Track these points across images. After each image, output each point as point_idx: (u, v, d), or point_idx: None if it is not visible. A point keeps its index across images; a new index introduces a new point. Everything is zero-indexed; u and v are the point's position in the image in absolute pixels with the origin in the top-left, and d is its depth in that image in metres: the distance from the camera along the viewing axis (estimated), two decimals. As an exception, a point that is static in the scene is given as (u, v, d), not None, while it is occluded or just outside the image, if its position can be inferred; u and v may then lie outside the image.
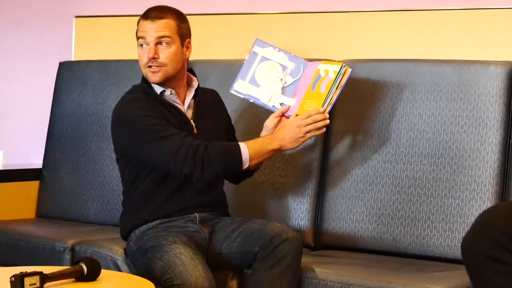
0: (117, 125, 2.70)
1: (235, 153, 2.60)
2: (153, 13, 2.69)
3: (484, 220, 1.99)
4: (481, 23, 3.07)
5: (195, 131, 2.73)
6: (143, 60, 2.69)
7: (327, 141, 3.06)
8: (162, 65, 2.68)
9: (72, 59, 3.82)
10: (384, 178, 2.92)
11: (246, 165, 2.62)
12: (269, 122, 2.80)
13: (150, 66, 2.68)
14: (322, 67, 2.80)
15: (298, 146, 2.70)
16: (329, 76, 2.75)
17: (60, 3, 3.93)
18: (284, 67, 2.86)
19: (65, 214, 3.44)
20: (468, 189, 2.80)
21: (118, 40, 3.66)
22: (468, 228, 2.03)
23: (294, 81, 2.85)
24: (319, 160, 3.06)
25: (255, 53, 2.88)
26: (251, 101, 2.86)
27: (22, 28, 4.04)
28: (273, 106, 2.83)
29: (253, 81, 2.85)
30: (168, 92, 2.72)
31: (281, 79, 2.84)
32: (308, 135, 2.66)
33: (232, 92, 2.87)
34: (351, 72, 2.75)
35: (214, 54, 3.11)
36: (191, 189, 2.71)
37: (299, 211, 3.05)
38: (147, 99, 2.70)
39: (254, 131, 2.94)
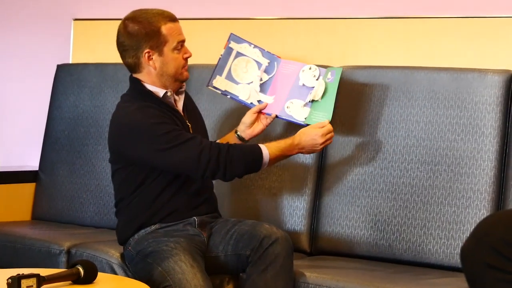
0: (126, 135, 2.65)
1: (257, 156, 2.65)
2: (174, 16, 2.72)
3: (484, 228, 1.99)
4: (479, 31, 3.08)
5: (191, 131, 2.75)
6: (181, 62, 2.72)
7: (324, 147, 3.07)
8: None
9: (70, 62, 3.82)
10: (380, 184, 2.94)
11: (264, 167, 2.68)
12: (247, 118, 2.86)
13: (184, 67, 2.73)
14: (306, 72, 2.85)
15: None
16: (322, 84, 2.80)
17: (58, 6, 3.94)
18: (259, 64, 2.90)
19: (61, 217, 3.44)
20: (464, 197, 2.81)
21: (115, 43, 3.66)
22: (465, 235, 2.05)
23: (269, 78, 2.90)
24: (315, 165, 3.07)
25: (231, 48, 2.90)
26: (229, 97, 2.90)
27: (20, 30, 4.04)
28: (251, 103, 2.88)
29: (229, 77, 2.89)
30: (169, 93, 2.73)
31: (258, 76, 2.89)
32: (322, 146, 2.73)
33: (210, 88, 2.89)
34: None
35: (213, 59, 3.11)
36: (188, 190, 2.72)
37: (295, 216, 3.06)
38: (152, 105, 2.69)
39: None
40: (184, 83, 2.82)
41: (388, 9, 3.25)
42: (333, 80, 2.81)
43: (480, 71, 2.88)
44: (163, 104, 2.72)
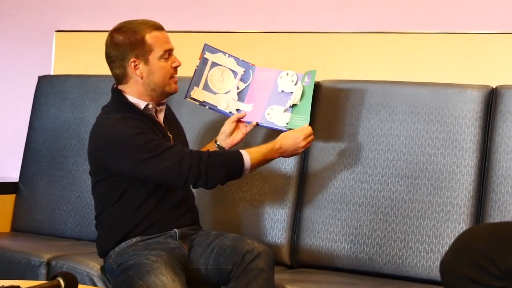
0: (106, 146, 2.64)
1: (238, 162, 2.63)
2: (160, 25, 2.72)
3: (464, 242, 2.00)
4: (459, 47, 3.11)
5: (172, 141, 2.75)
6: (169, 71, 2.71)
7: (304, 160, 3.09)
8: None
9: (52, 73, 3.82)
10: (361, 198, 2.95)
11: (246, 172, 2.67)
12: (226, 128, 2.87)
13: (172, 77, 2.72)
14: (283, 78, 2.87)
15: None
16: (300, 88, 2.82)
17: (40, 17, 3.93)
18: (234, 73, 2.92)
19: (41, 229, 3.43)
20: (443, 211, 2.83)
21: (98, 55, 3.58)
22: (444, 249, 2.05)
23: (246, 86, 2.92)
24: (296, 178, 3.08)
25: (206, 59, 2.91)
26: (207, 107, 2.91)
27: (1, 41, 4.03)
28: (229, 112, 2.89)
29: (206, 88, 2.90)
30: (150, 105, 2.73)
31: (235, 85, 2.90)
32: (303, 149, 2.74)
33: (188, 99, 2.89)
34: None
35: (192, 71, 3.12)
36: (169, 202, 2.72)
37: (276, 229, 3.06)
38: (132, 116, 2.69)
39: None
40: None
41: (369, 24, 3.27)
42: (309, 83, 2.83)
43: (460, 86, 2.91)
44: (144, 115, 2.72)
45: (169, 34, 2.77)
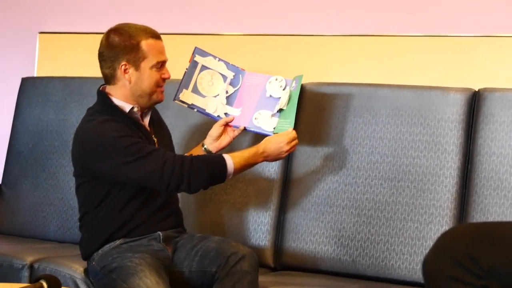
0: (89, 149, 2.64)
1: (221, 166, 2.63)
2: (157, 33, 2.72)
3: (446, 241, 2.00)
4: (442, 50, 3.12)
5: (157, 146, 2.74)
6: (158, 81, 2.71)
7: (288, 163, 3.09)
8: None
9: (35, 75, 3.80)
10: (344, 200, 2.96)
11: (229, 177, 2.66)
12: (214, 131, 2.87)
13: (160, 86, 2.72)
14: (272, 83, 2.88)
15: None
16: (287, 93, 2.83)
17: (24, 19, 3.91)
18: (224, 77, 2.92)
19: (24, 231, 3.41)
20: (426, 213, 2.84)
21: (81, 57, 3.64)
22: (427, 251, 2.06)
23: (235, 90, 2.93)
24: (280, 181, 3.09)
25: (196, 62, 2.92)
26: (195, 110, 2.91)
27: (-16, 43, 4.03)
28: (218, 116, 2.89)
29: (195, 90, 2.89)
30: (135, 109, 2.73)
31: (224, 89, 2.90)
32: (287, 153, 2.74)
33: (176, 101, 2.89)
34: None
35: (179, 74, 3.13)
36: (153, 205, 2.72)
37: (259, 231, 3.07)
38: (117, 119, 2.68)
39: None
40: None
41: (353, 27, 3.28)
42: (296, 88, 2.84)
43: (443, 89, 2.91)
44: (129, 118, 2.72)
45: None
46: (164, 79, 2.73)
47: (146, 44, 2.68)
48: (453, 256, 1.94)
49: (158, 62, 2.69)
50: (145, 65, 2.68)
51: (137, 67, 2.68)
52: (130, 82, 2.70)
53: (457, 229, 2.23)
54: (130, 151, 2.58)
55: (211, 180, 2.64)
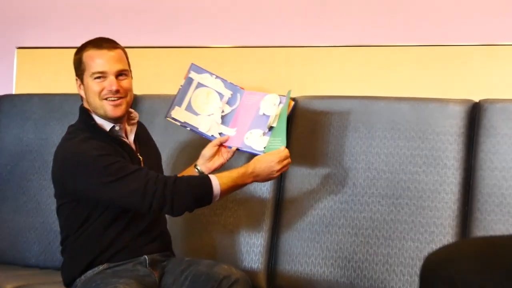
0: (69, 168, 2.62)
1: (206, 188, 2.61)
2: (105, 44, 2.69)
3: (429, 269, 2.00)
4: (440, 60, 3.12)
5: (142, 165, 2.73)
6: (98, 93, 2.68)
7: (281, 181, 3.08)
8: (124, 96, 2.69)
9: (13, 92, 3.80)
10: (341, 219, 2.94)
11: (216, 199, 2.63)
12: (207, 151, 2.85)
13: (107, 99, 2.67)
14: (266, 101, 2.86)
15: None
16: (278, 109, 2.83)
17: (1, 33, 3.91)
18: (221, 95, 2.91)
19: (4, 257, 3.39)
20: (427, 231, 2.83)
21: (62, 73, 3.64)
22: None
23: (232, 110, 2.91)
24: (273, 200, 3.08)
25: (191, 79, 2.90)
26: (188, 129, 2.89)
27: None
28: (211, 135, 2.88)
29: (189, 108, 2.88)
30: (117, 127, 2.71)
31: (220, 108, 2.88)
32: (279, 173, 2.71)
33: (168, 119, 2.87)
34: (294, 104, 2.89)
35: (163, 88, 3.10)
36: (137, 227, 2.70)
37: (252, 253, 3.04)
38: (98, 137, 2.67)
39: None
40: (135, 113, 2.80)
41: (346, 38, 3.28)
42: (284, 104, 2.82)
43: (441, 101, 2.91)
44: (111, 137, 2.70)
45: (133, 49, 2.73)
46: (110, 91, 2.67)
47: (85, 55, 2.70)
48: (443, 278, 1.94)
49: (93, 73, 2.68)
50: (86, 77, 2.70)
51: (82, 81, 2.72)
52: (83, 97, 2.74)
53: (443, 250, 2.22)
54: (111, 170, 2.56)
55: (196, 202, 2.62)
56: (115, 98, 2.68)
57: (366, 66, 3.23)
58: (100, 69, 2.67)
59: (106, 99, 2.68)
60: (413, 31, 3.19)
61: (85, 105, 2.75)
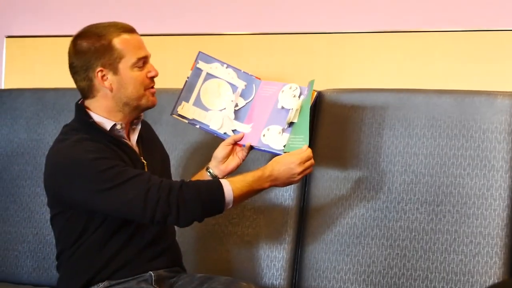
0: (61, 173, 2.62)
1: (217, 194, 2.60)
2: (131, 27, 2.70)
3: None
4: (487, 47, 3.12)
5: (146, 169, 2.73)
6: (144, 82, 2.68)
7: (306, 186, 3.08)
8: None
9: (2, 87, 3.82)
10: (374, 229, 2.94)
11: (229, 206, 2.62)
12: (220, 152, 2.84)
13: (148, 88, 2.70)
14: (285, 92, 2.85)
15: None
16: (296, 103, 2.82)
17: (-13, 21, 3.94)
18: (234, 87, 2.90)
19: (-7, 273, 3.42)
20: (472, 242, 2.82)
21: (57, 64, 3.60)
22: (475, 288, 2.06)
23: (247, 103, 2.91)
24: (296, 208, 3.07)
25: (199, 70, 2.90)
26: (198, 126, 2.88)
27: None
28: (224, 133, 2.87)
29: (198, 103, 2.88)
30: (119, 126, 2.70)
31: (232, 101, 2.88)
32: (300, 176, 2.69)
33: (175, 116, 2.88)
34: (317, 94, 2.87)
35: (171, 81, 3.10)
36: (142, 239, 2.70)
37: (273, 268, 3.04)
38: (95, 138, 2.66)
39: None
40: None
41: (378, 22, 3.28)
42: (307, 96, 2.81)
43: (488, 93, 2.91)
44: (110, 137, 2.69)
45: (142, 37, 2.73)
46: (151, 78, 2.70)
47: (119, 41, 2.66)
48: None
49: (138, 59, 2.68)
50: (124, 66, 2.67)
51: (115, 71, 2.67)
52: (111, 90, 2.68)
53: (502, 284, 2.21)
54: (108, 176, 2.55)
55: (205, 211, 2.60)
56: (153, 85, 2.71)
57: (402, 54, 3.23)
58: (144, 54, 2.68)
59: (148, 87, 2.69)
60: (455, 14, 3.19)
61: (99, 101, 2.70)
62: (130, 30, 2.69)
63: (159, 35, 3.55)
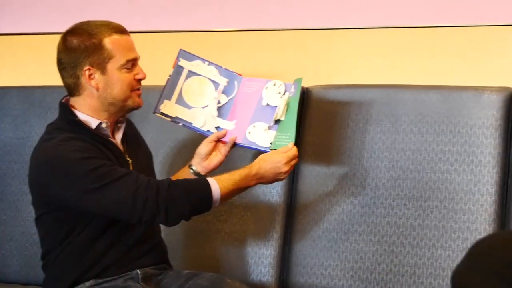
0: (47, 173, 2.60)
1: (205, 193, 2.60)
2: (123, 28, 2.70)
3: (481, 249, 2.02)
4: (474, 43, 3.12)
5: (131, 168, 2.72)
6: (131, 84, 2.68)
7: (294, 182, 3.08)
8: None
9: (-11, 85, 3.82)
10: (361, 225, 2.94)
11: (216, 205, 2.63)
12: (203, 149, 2.85)
13: (135, 89, 2.70)
14: (269, 90, 2.85)
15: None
16: (284, 100, 2.82)
17: (-27, 18, 3.93)
18: (216, 84, 2.90)
19: (-20, 273, 3.41)
20: (460, 238, 2.83)
21: (44, 62, 3.59)
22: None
23: (229, 100, 2.92)
24: (284, 204, 3.07)
25: (180, 67, 2.90)
26: (180, 124, 2.89)
27: None
28: (207, 130, 2.88)
29: (181, 101, 2.88)
30: (104, 124, 2.70)
31: (215, 98, 2.89)
32: (287, 174, 2.71)
33: (157, 114, 2.88)
34: (303, 93, 2.91)
35: (160, 79, 3.09)
36: (128, 238, 2.70)
37: (261, 265, 3.05)
38: (81, 137, 2.65)
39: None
40: None
41: (366, 19, 3.28)
42: (295, 93, 2.82)
43: (475, 89, 2.92)
44: (96, 136, 2.69)
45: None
46: (138, 80, 2.70)
47: (110, 41, 2.65)
48: (489, 267, 1.95)
49: (127, 61, 2.67)
50: (112, 66, 2.66)
51: (103, 70, 2.66)
52: (98, 89, 2.67)
53: (493, 236, 2.27)
54: (95, 175, 2.55)
55: (193, 209, 2.61)
56: (139, 87, 2.71)
57: (389, 50, 3.23)
58: (134, 56, 2.68)
59: (134, 89, 2.69)
60: (442, 10, 3.19)
61: (85, 100, 2.69)
62: (122, 31, 2.69)
63: (147, 32, 3.54)
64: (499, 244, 2.03)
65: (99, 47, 2.64)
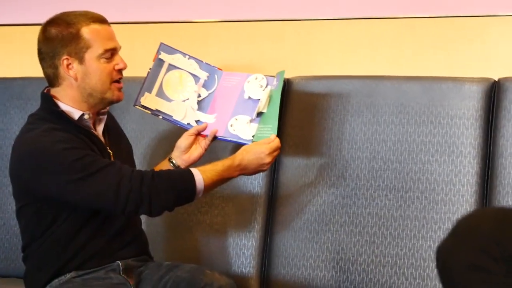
0: (29, 164, 2.59)
1: (189, 183, 2.61)
2: (103, 18, 2.68)
3: (467, 225, 2.05)
4: (453, 34, 3.12)
5: (112, 159, 2.72)
6: (110, 75, 2.67)
7: (275, 173, 3.08)
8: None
9: (-33, 77, 3.79)
10: (342, 216, 2.94)
11: (199, 195, 2.63)
12: (183, 142, 2.85)
13: (116, 81, 2.68)
14: (251, 83, 2.86)
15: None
16: (266, 93, 2.82)
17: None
18: (196, 78, 2.91)
19: (-41, 265, 3.39)
20: (441, 228, 2.83)
21: (24, 53, 3.62)
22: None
23: (209, 93, 2.92)
24: (265, 195, 3.08)
25: (161, 60, 2.90)
26: (160, 117, 2.88)
27: None
28: (187, 123, 2.87)
29: (161, 94, 2.88)
30: (86, 115, 2.69)
31: (195, 92, 2.89)
32: (269, 165, 2.72)
33: (137, 107, 2.87)
34: (284, 86, 2.91)
35: (140, 71, 3.08)
36: (109, 230, 2.70)
37: (242, 256, 3.05)
38: (63, 128, 2.64)
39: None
40: None
41: (346, 9, 3.28)
42: (277, 86, 2.82)
43: (455, 80, 2.92)
44: (78, 127, 2.68)
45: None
46: (119, 71, 2.69)
47: (88, 30, 2.65)
48: (474, 243, 1.99)
49: (106, 51, 2.66)
50: (90, 56, 2.65)
51: (81, 60, 2.65)
52: (76, 79, 2.66)
53: (478, 212, 2.30)
54: (78, 166, 2.54)
55: (177, 200, 2.61)
56: (120, 79, 2.69)
57: (370, 41, 3.23)
58: (112, 46, 2.66)
59: (114, 81, 2.67)
60: (423, 0, 3.19)
61: (65, 90, 2.68)
62: (101, 20, 2.68)
63: (127, 23, 3.53)
64: (484, 221, 2.06)
65: (76, 37, 2.64)
